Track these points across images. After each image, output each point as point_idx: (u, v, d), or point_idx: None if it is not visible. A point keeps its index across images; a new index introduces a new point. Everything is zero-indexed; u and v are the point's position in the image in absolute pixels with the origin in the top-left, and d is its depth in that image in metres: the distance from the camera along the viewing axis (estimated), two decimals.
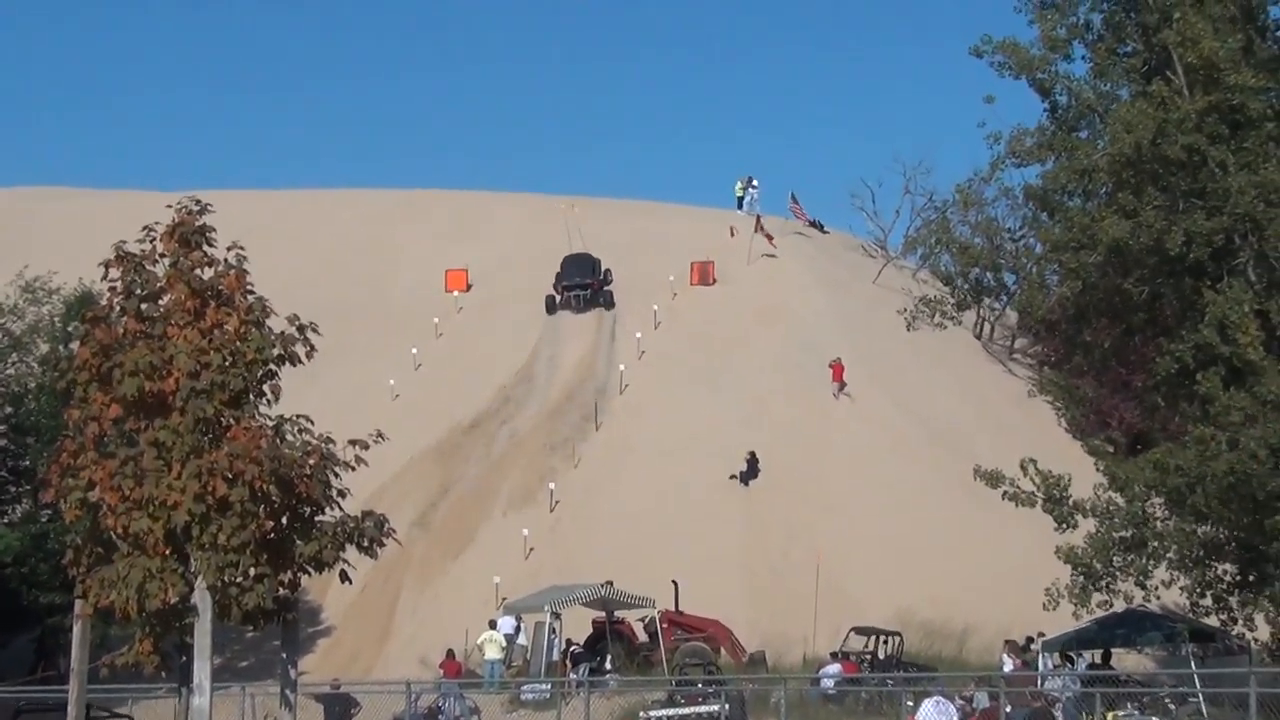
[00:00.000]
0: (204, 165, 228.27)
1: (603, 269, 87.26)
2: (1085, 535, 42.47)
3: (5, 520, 57.93)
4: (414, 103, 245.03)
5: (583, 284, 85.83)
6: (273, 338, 30.45)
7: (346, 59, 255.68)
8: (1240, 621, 44.13)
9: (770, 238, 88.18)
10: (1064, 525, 42.78)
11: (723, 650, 56.05)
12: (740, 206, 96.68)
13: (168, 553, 28.83)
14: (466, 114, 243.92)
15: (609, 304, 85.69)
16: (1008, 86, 47.74)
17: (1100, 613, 43.88)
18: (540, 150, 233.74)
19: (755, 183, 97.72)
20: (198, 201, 31.41)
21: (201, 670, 28.78)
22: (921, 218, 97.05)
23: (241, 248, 31.19)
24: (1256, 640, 45.18)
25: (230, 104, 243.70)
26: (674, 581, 56.97)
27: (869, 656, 54.37)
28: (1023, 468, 42.90)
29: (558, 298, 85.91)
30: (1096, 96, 44.90)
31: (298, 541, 30.03)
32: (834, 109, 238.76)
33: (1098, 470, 44.98)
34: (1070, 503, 42.52)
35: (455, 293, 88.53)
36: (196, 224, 30.83)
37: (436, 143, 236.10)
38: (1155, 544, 41.82)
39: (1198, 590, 43.33)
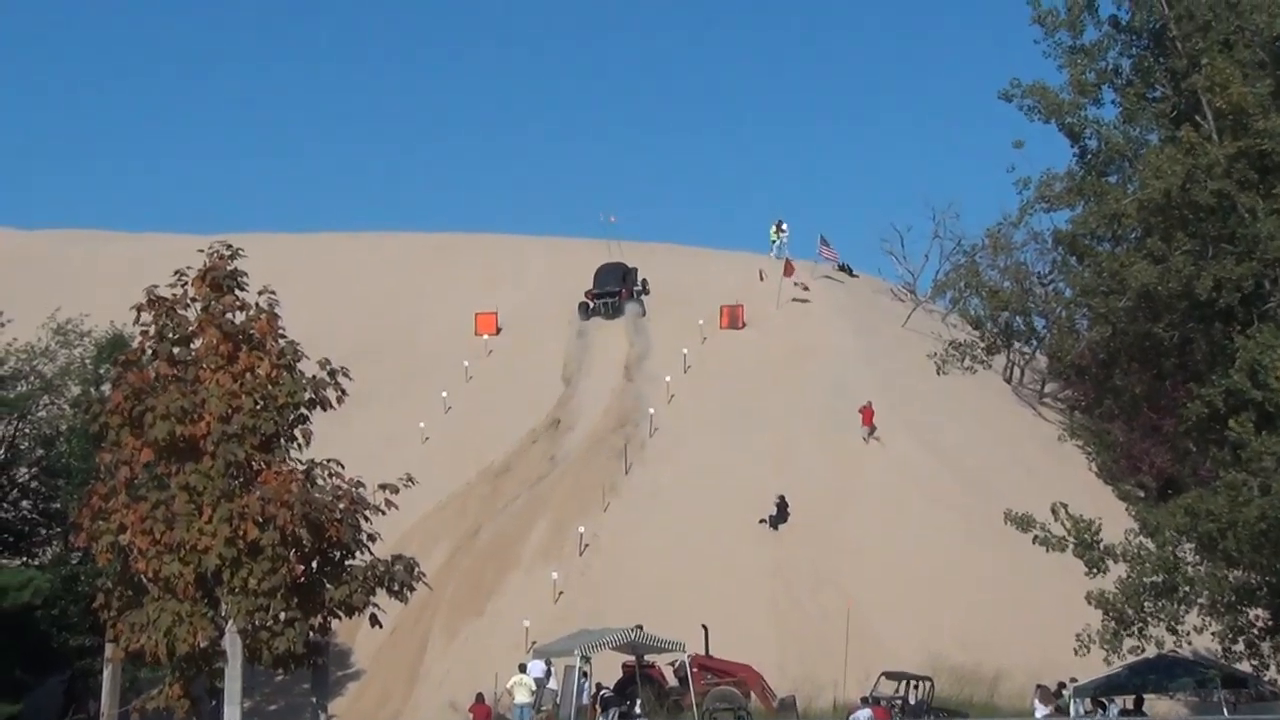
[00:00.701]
0: (236, 208, 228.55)
1: (638, 277, 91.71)
2: (1116, 580, 42.33)
3: (36, 562, 57.99)
4: (445, 146, 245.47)
5: (611, 292, 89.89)
6: (304, 382, 30.66)
7: (376, 105, 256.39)
8: (1273, 667, 43.96)
9: (804, 286, 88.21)
10: (1095, 570, 42.64)
11: (753, 695, 55.92)
12: (776, 249, 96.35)
13: (198, 597, 28.98)
14: (497, 158, 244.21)
15: (642, 309, 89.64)
16: (1037, 131, 47.71)
17: (1132, 658, 43.73)
18: (569, 194, 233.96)
19: (785, 226, 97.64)
20: (229, 246, 31.64)
21: (232, 714, 28.88)
22: (950, 262, 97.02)
23: (273, 292, 31.39)
24: None
25: (261, 147, 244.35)
26: (704, 626, 56.87)
27: (900, 702, 54.18)
28: (1054, 512, 42.76)
29: (590, 305, 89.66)
30: (1126, 141, 44.89)
31: (328, 585, 30.19)
32: (863, 153, 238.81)
33: (1129, 515, 44.86)
34: (1101, 548, 42.38)
35: (485, 336, 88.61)
36: (228, 268, 31.08)
37: (467, 186, 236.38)
38: (1186, 589, 41.67)
39: (1230, 636, 43.14)
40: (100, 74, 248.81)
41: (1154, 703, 50.66)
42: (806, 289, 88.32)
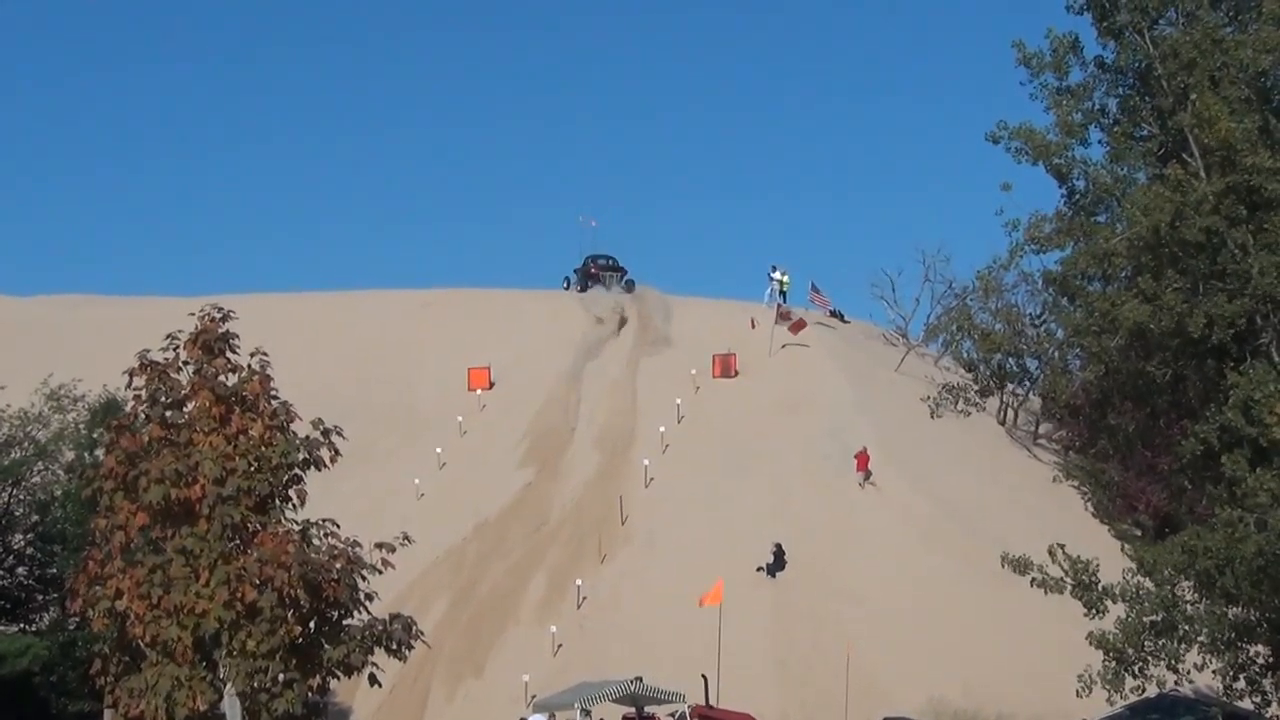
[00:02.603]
0: (225, 270, 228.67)
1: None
2: (1116, 620, 42.26)
3: (33, 629, 57.86)
4: (433, 202, 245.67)
5: (617, 265, 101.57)
6: (297, 442, 30.60)
7: (364, 165, 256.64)
8: (1274, 704, 43.87)
9: (798, 326, 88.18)
10: (1094, 611, 42.57)
11: None
12: (784, 298, 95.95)
13: (196, 660, 28.89)
14: (485, 212, 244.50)
15: (630, 288, 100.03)
16: (1025, 172, 47.74)
17: (1134, 698, 43.66)
18: (558, 247, 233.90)
19: (782, 272, 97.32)
20: (220, 308, 31.63)
21: None
22: (942, 305, 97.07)
23: (265, 354, 31.38)
24: None
25: (250, 209, 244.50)
26: (703, 676, 56.71)
27: None
28: (1051, 554, 42.70)
29: (588, 278, 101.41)
30: (1114, 180, 44.94)
31: (326, 646, 30.10)
32: (852, 199, 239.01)
33: (1126, 554, 44.81)
34: (1100, 588, 42.31)
35: (478, 391, 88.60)
36: (219, 331, 31.06)
37: (456, 242, 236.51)
38: (1186, 627, 41.59)
39: (1230, 673, 43.05)
40: (89, 140, 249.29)
41: None
42: (797, 328, 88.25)
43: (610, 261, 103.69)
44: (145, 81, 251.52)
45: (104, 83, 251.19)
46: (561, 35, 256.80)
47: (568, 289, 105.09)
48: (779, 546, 68.49)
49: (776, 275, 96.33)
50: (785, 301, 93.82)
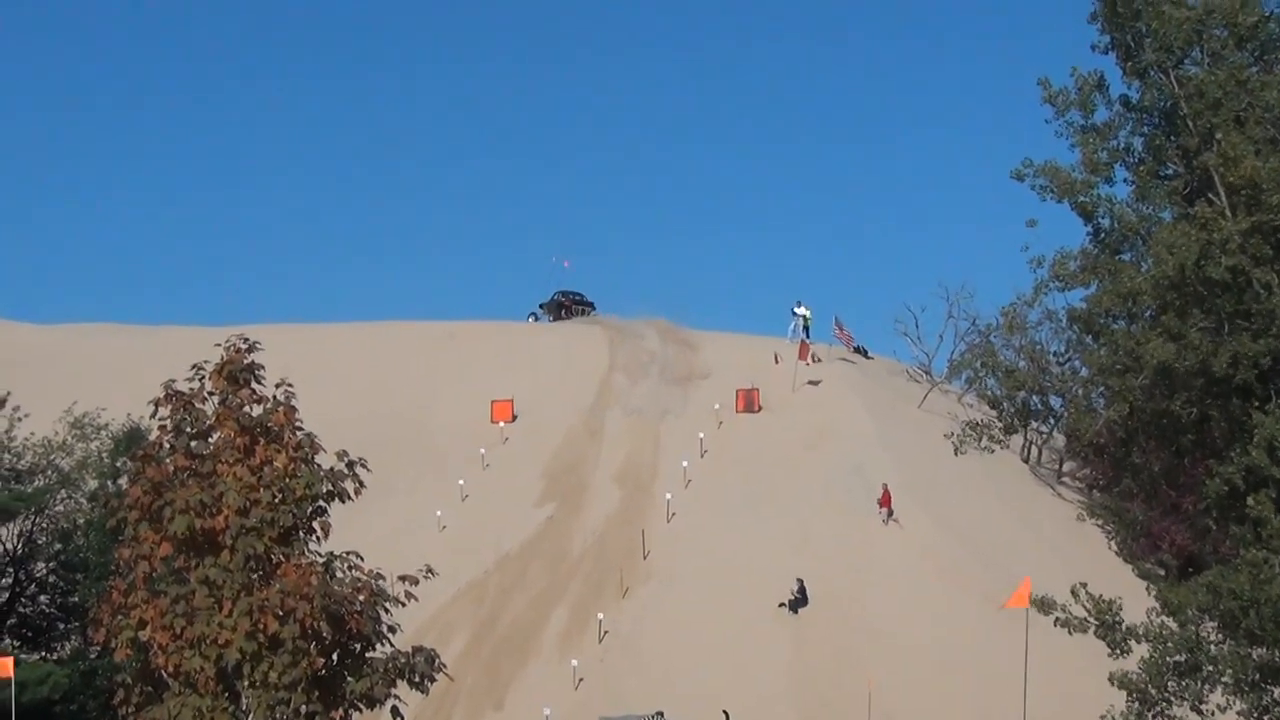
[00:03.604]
0: (250, 300, 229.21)
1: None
2: (1139, 660, 42.07)
3: (55, 657, 57.85)
4: (458, 233, 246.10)
5: (585, 300, 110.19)
6: (322, 474, 30.56)
7: (390, 196, 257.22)
8: None
9: (812, 359, 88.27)
10: (1117, 651, 42.39)
11: None
12: (807, 333, 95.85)
13: (219, 691, 28.85)
14: (509, 243, 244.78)
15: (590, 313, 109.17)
16: (1050, 210, 47.55)
17: None
18: (580, 279, 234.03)
19: (806, 308, 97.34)
20: (245, 339, 31.62)
21: None
22: (965, 342, 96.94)
23: (290, 384, 31.36)
24: None
25: (275, 239, 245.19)
26: (725, 711, 56.71)
27: None
28: (1074, 593, 42.53)
29: (560, 309, 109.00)
30: (1139, 219, 44.79)
31: (348, 678, 30.02)
32: (876, 235, 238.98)
33: (1149, 594, 44.61)
34: (1123, 628, 42.14)
35: (501, 423, 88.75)
36: (245, 361, 31.03)
37: (479, 275, 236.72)
38: (1210, 668, 41.37)
39: (1255, 714, 42.77)
40: (114, 169, 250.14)
41: None
42: (813, 360, 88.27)
43: (579, 296, 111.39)
44: (170, 110, 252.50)
45: (129, 112, 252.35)
46: (591, 64, 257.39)
47: (535, 322, 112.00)
48: (801, 583, 68.39)
49: (800, 311, 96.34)
50: (809, 337, 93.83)
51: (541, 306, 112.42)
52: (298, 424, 30.98)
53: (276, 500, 29.83)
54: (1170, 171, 45.03)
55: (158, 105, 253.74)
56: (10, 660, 43.86)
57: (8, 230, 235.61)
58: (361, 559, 30.90)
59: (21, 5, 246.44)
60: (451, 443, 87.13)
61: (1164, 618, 42.09)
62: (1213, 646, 41.63)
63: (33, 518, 59.29)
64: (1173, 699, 41.65)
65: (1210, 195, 42.25)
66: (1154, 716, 41.70)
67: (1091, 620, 42.32)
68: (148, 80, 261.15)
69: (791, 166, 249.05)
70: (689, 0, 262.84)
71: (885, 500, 73.79)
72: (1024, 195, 53.35)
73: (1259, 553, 39.06)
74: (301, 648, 28.76)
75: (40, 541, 60.01)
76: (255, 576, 29.49)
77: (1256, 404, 41.06)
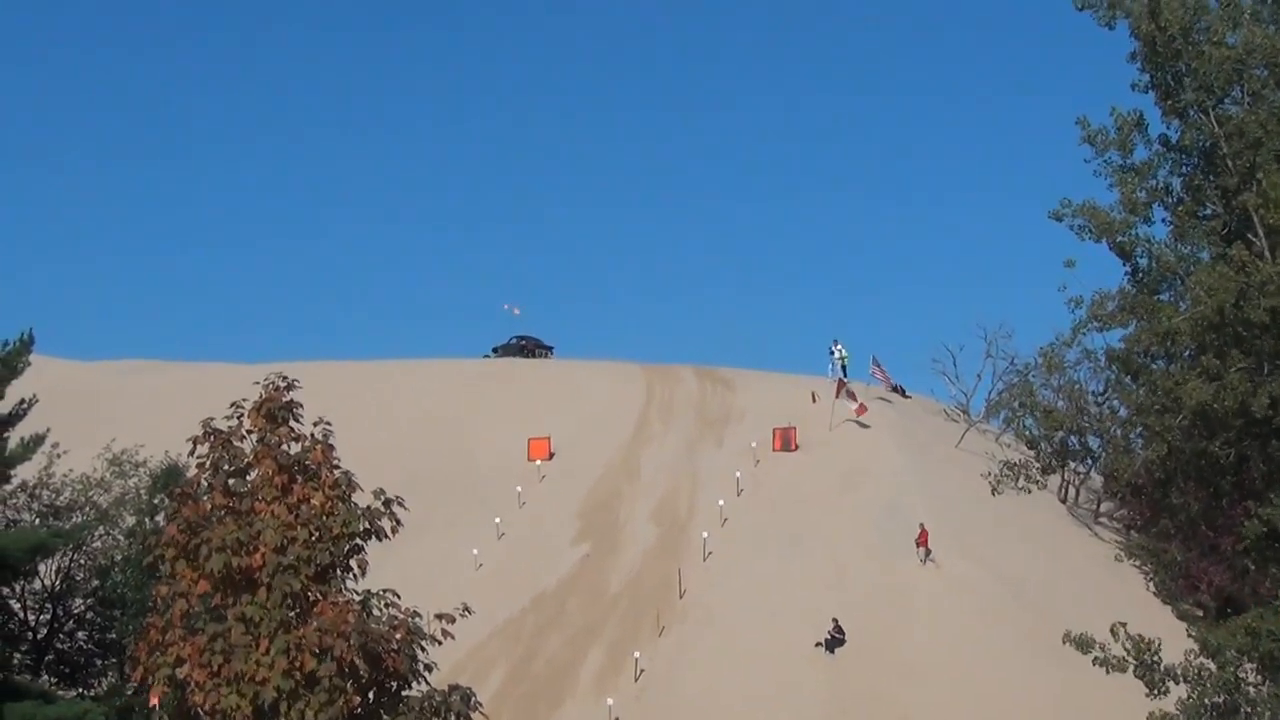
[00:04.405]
0: (285, 336, 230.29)
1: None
2: (1177, 701, 41.84)
3: (91, 694, 57.93)
4: (496, 273, 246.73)
5: (544, 344, 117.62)
6: (359, 512, 30.59)
7: (426, 234, 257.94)
8: None
9: (862, 408, 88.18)
10: (1155, 691, 42.16)
11: None
12: (844, 372, 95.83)
13: None
14: (548, 282, 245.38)
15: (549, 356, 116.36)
16: (1088, 249, 47.41)
17: None
18: (619, 318, 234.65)
19: (837, 348, 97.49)
20: (284, 377, 31.70)
21: None
22: (1003, 381, 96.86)
23: (328, 422, 31.42)
24: None
25: (313, 277, 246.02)
26: None
27: None
28: (1113, 633, 42.31)
29: (521, 352, 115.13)
30: (1177, 259, 44.62)
31: (385, 717, 30.00)
32: (914, 275, 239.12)
33: (1188, 635, 44.39)
34: (1162, 668, 41.91)
35: (538, 461, 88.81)
36: (284, 399, 31.11)
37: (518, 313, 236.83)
38: (1249, 710, 41.12)
39: None
40: (155, 210, 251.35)
41: None
42: (863, 414, 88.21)
43: (537, 341, 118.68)
44: (209, 149, 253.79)
45: (170, 158, 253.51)
46: (635, 105, 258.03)
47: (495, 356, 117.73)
48: (837, 622, 68.21)
49: (837, 350, 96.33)
50: (846, 376, 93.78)
51: (495, 350, 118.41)
52: (335, 462, 31.05)
53: (314, 538, 29.87)
54: (1209, 211, 44.87)
55: (199, 150, 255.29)
56: None
57: (51, 269, 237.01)
58: (398, 597, 30.91)
59: (79, 55, 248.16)
60: (488, 481, 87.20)
61: (1202, 659, 41.86)
62: (1251, 689, 41.40)
63: (70, 554, 59.41)
64: None
65: (1250, 236, 42.11)
66: None
67: (1130, 660, 42.09)
68: (183, 115, 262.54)
69: (829, 208, 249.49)
70: (739, 38, 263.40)
71: (923, 540, 73.62)
72: (1062, 235, 53.19)
73: None
74: (338, 686, 28.76)
75: (78, 578, 60.16)
76: (292, 614, 29.52)
77: None
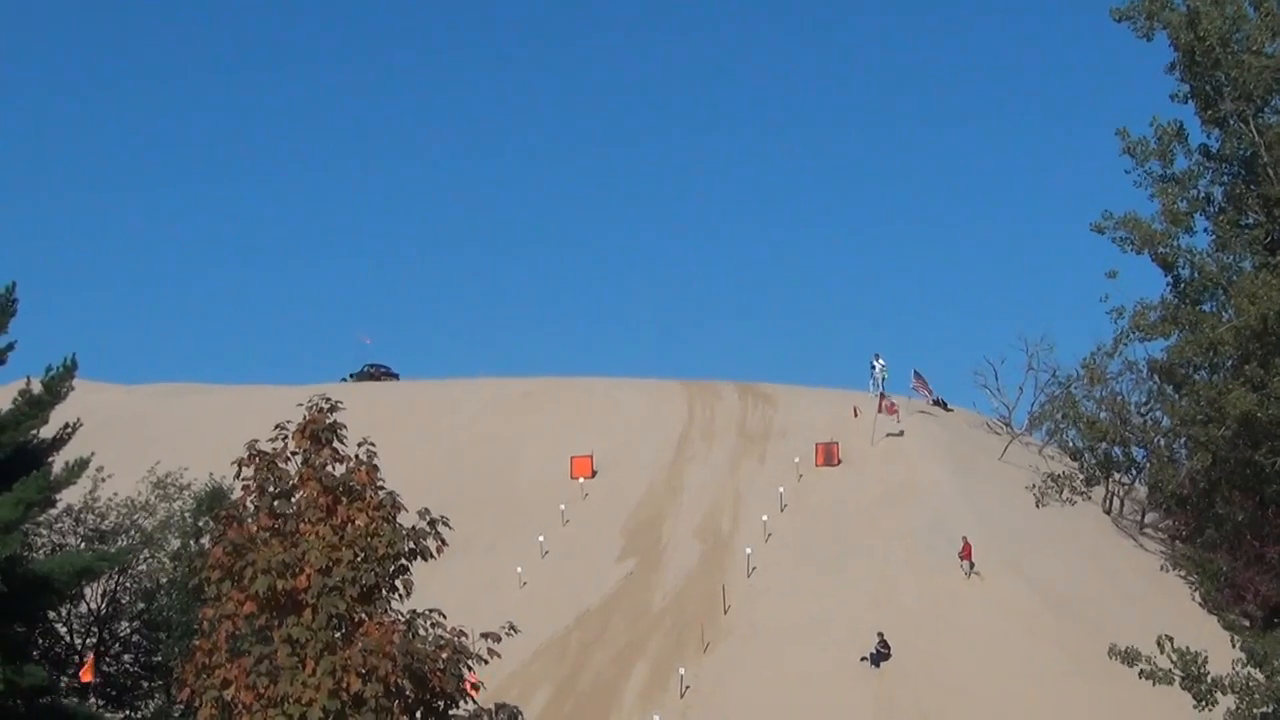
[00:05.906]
0: (326, 358, 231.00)
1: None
2: (1225, 712, 41.67)
3: (138, 716, 58.14)
4: (538, 293, 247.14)
5: (392, 371, 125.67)
6: (404, 532, 30.63)
7: (467, 256, 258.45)
8: None
9: (892, 407, 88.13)
10: (1203, 703, 41.98)
11: None
12: (884, 385, 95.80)
13: None
14: (588, 302, 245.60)
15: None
16: (1130, 260, 47.21)
17: None
18: (660, 335, 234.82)
19: (881, 361, 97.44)
20: (327, 398, 31.77)
21: None
22: (1045, 393, 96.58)
23: (372, 443, 31.48)
24: None
25: (351, 299, 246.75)
26: None
27: None
28: (1159, 645, 42.13)
29: (371, 379, 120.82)
30: (1219, 269, 44.46)
31: None
32: (956, 288, 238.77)
33: (1235, 646, 44.20)
34: (1209, 680, 41.73)
35: (581, 479, 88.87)
36: (327, 421, 31.18)
37: (559, 331, 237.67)
38: None
39: None
40: (200, 235, 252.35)
41: None
42: (896, 413, 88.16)
43: (386, 368, 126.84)
44: (251, 178, 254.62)
45: (213, 182, 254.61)
46: (680, 120, 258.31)
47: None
48: (882, 636, 68.08)
49: (878, 365, 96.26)
50: (885, 390, 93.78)
51: (351, 376, 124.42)
52: (379, 483, 31.10)
53: (359, 559, 29.91)
54: (1251, 221, 44.71)
55: (241, 175, 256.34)
56: None
57: (93, 295, 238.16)
58: (444, 617, 30.93)
59: (125, 80, 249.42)
60: (532, 499, 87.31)
61: (1250, 669, 41.70)
62: None
63: (116, 577, 59.62)
64: None
65: None
66: None
67: (1177, 672, 41.93)
68: (218, 147, 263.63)
69: (871, 222, 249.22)
70: (796, 57, 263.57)
71: (966, 552, 73.45)
72: (1103, 246, 53.07)
73: None
74: (385, 706, 28.79)
75: (124, 601, 60.37)
76: (338, 635, 29.56)
77: None
